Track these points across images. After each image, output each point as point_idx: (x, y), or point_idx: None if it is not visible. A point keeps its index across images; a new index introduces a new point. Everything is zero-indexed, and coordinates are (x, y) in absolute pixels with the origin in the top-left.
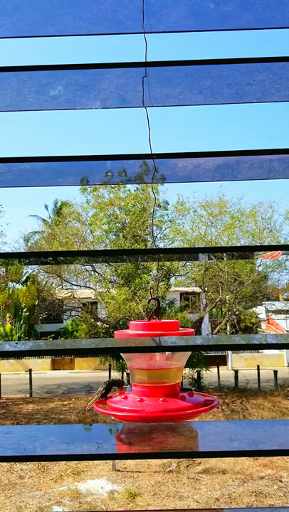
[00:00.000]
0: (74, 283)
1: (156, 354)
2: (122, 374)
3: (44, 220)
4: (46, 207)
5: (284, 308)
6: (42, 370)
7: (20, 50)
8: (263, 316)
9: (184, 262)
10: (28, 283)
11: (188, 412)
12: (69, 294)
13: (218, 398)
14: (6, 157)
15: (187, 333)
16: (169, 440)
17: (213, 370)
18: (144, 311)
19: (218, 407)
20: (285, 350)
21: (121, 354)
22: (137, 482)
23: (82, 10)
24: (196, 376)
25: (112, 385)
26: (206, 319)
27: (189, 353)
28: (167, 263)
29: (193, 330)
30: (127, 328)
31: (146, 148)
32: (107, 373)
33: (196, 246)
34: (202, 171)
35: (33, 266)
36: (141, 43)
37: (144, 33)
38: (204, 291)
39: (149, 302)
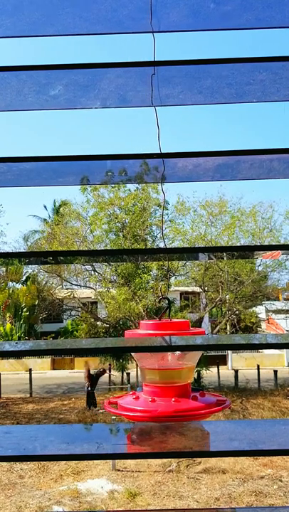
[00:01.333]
0: (74, 283)
1: (168, 354)
2: (122, 374)
3: (44, 219)
4: (45, 207)
5: (284, 308)
6: (42, 369)
7: (21, 50)
8: (263, 315)
9: (184, 262)
10: (28, 283)
11: (201, 412)
12: (69, 293)
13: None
14: (6, 157)
15: (198, 333)
16: (180, 440)
17: (213, 369)
18: (144, 311)
19: (230, 407)
20: (285, 350)
21: (132, 354)
22: (137, 482)
23: (82, 10)
24: (196, 376)
25: (97, 377)
26: (206, 319)
27: (200, 353)
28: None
29: (204, 329)
30: (127, 328)
31: (147, 147)
32: (107, 373)
33: (196, 246)
34: (202, 171)
35: (33, 266)
36: (139, 42)
37: (153, 32)
38: (204, 290)
39: (159, 301)
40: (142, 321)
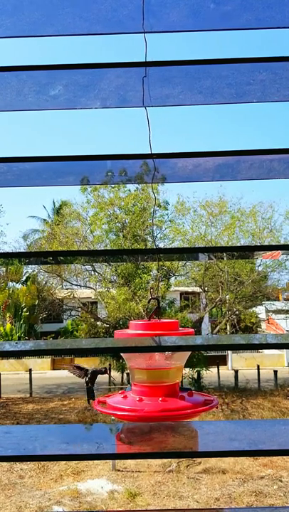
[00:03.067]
0: (74, 283)
1: (156, 354)
2: (122, 374)
3: (44, 219)
4: (45, 207)
5: (284, 308)
6: (42, 369)
7: (21, 50)
8: (263, 316)
9: (184, 262)
10: (28, 283)
11: (187, 412)
12: (69, 293)
13: (218, 398)
14: (6, 157)
15: (187, 333)
16: (169, 440)
17: (213, 370)
18: (144, 311)
19: (217, 407)
20: (285, 350)
21: (121, 354)
22: (137, 482)
23: (82, 10)
24: (196, 376)
25: (95, 373)
26: (206, 319)
27: (189, 353)
28: (167, 263)
29: (193, 330)
30: (127, 327)
31: (147, 148)
32: (106, 373)
33: (196, 246)
34: (202, 171)
35: (33, 266)
36: (141, 42)
37: (144, 32)
38: (204, 291)
39: (149, 302)
40: (131, 321)
